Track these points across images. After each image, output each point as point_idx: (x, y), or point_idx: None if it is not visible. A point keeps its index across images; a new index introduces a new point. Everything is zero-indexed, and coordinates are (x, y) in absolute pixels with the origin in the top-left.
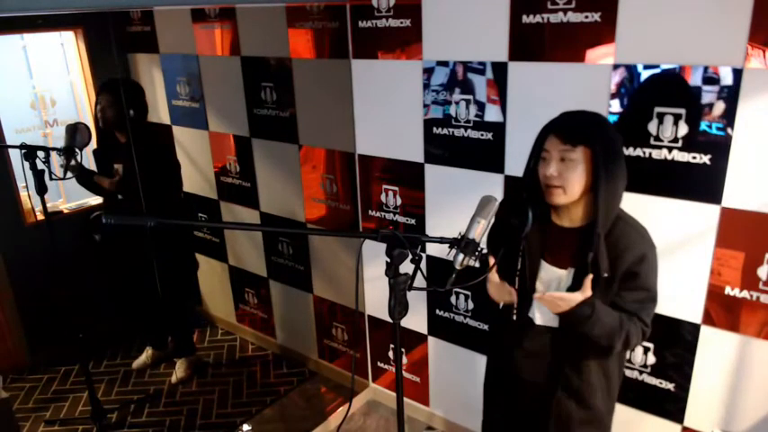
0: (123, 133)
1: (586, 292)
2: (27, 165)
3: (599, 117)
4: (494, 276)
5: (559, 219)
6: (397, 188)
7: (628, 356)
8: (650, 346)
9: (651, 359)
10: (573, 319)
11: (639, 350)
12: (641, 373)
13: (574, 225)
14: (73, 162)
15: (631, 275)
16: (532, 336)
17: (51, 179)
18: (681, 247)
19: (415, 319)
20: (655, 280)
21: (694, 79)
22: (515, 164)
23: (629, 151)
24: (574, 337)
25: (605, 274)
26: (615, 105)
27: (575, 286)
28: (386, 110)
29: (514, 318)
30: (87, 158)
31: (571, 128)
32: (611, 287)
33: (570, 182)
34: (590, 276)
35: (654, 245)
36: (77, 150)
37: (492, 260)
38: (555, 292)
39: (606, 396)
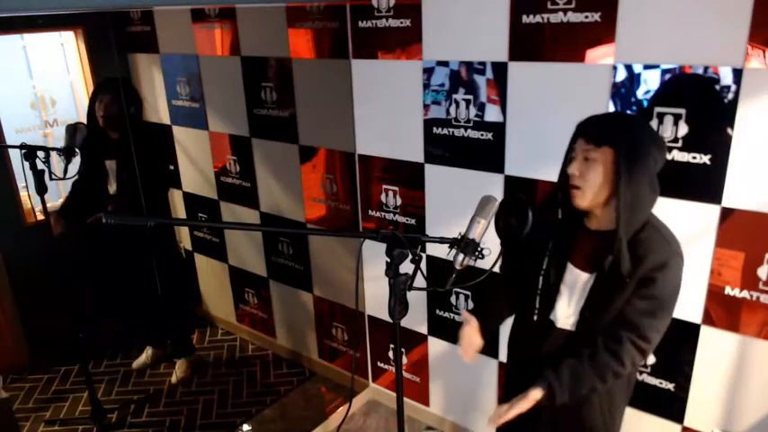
0: (116, 130)
1: (533, 396)
2: (27, 165)
3: (631, 119)
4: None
5: (590, 222)
6: (397, 188)
7: None
8: None
9: (651, 359)
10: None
11: None
12: (641, 373)
13: (602, 228)
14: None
15: (647, 281)
16: (551, 339)
17: (51, 179)
18: (681, 247)
19: (415, 319)
20: (672, 293)
21: (694, 79)
22: (515, 164)
23: None
24: (588, 343)
25: (628, 279)
26: (614, 106)
27: (595, 289)
28: (386, 110)
29: (535, 319)
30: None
31: (595, 127)
32: (622, 293)
33: (589, 182)
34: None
35: (680, 255)
36: (77, 150)
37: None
38: (505, 411)
39: (608, 415)
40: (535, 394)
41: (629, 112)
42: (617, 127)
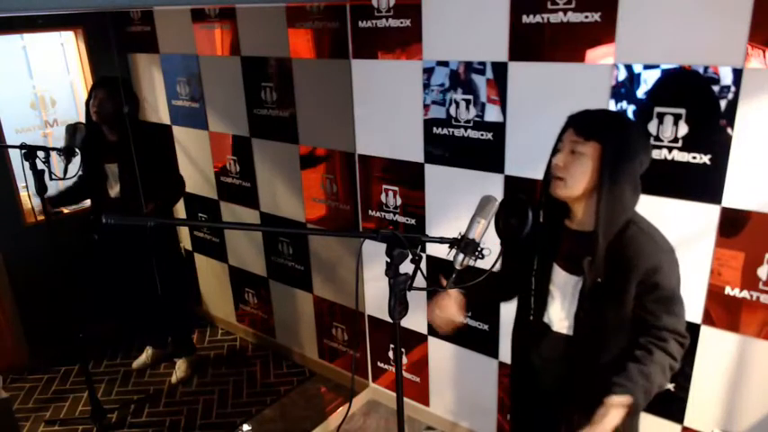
0: (113, 131)
1: (622, 402)
2: (27, 165)
3: (623, 119)
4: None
5: (571, 222)
6: (397, 188)
7: None
8: None
9: None
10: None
11: None
12: None
13: (584, 229)
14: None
15: (652, 287)
16: (549, 341)
17: (51, 179)
18: (681, 247)
19: (415, 319)
20: (676, 285)
21: (694, 79)
22: (515, 164)
23: None
24: (590, 349)
25: (599, 279)
26: (615, 105)
27: (585, 292)
28: (386, 110)
29: (531, 319)
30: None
31: (587, 121)
32: (623, 298)
33: (573, 175)
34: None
35: (671, 249)
36: (77, 150)
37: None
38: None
39: (627, 419)
40: (623, 400)
41: (629, 112)
42: (608, 123)
